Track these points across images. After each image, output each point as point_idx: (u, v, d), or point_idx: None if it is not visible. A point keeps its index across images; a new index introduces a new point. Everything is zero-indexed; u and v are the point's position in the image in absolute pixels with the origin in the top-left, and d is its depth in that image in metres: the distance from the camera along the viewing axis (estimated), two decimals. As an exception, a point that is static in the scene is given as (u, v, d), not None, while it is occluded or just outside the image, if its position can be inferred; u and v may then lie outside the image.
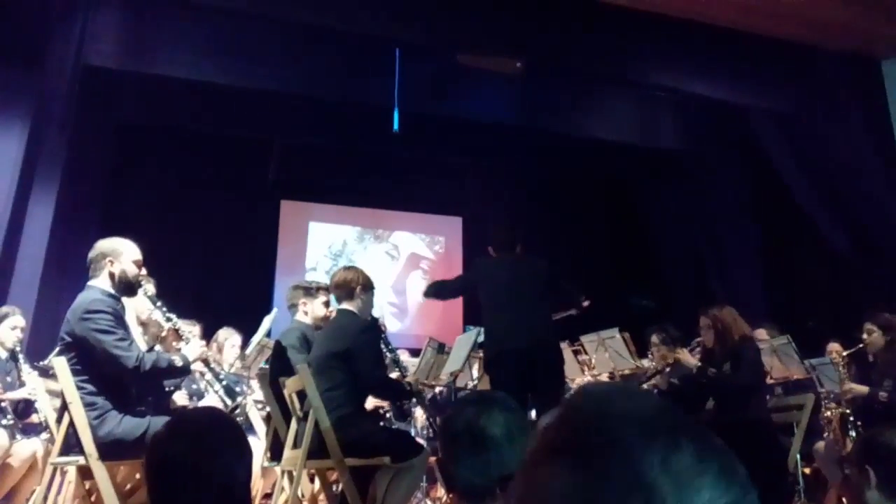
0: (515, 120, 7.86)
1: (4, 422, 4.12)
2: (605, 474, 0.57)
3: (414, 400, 4.63)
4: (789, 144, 6.98)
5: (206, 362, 3.52)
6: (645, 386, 4.84)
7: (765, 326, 5.66)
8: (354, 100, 7.28)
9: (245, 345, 5.15)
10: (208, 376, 4.11)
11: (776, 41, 6.34)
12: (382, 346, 4.09)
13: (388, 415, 5.29)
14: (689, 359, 4.56)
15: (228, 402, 3.69)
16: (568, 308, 4.58)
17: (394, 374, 4.29)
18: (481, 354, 5.23)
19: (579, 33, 6.29)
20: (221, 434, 1.50)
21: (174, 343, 3.53)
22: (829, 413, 5.03)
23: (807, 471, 4.85)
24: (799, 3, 5.76)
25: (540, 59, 6.71)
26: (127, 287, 3.23)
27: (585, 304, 4.53)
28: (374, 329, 3.75)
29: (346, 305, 3.76)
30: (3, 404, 4.18)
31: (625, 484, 0.56)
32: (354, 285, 3.75)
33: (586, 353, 5.66)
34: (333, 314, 3.99)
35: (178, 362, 3.19)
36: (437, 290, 4.87)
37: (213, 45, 6.54)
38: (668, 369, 5.00)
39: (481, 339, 4.57)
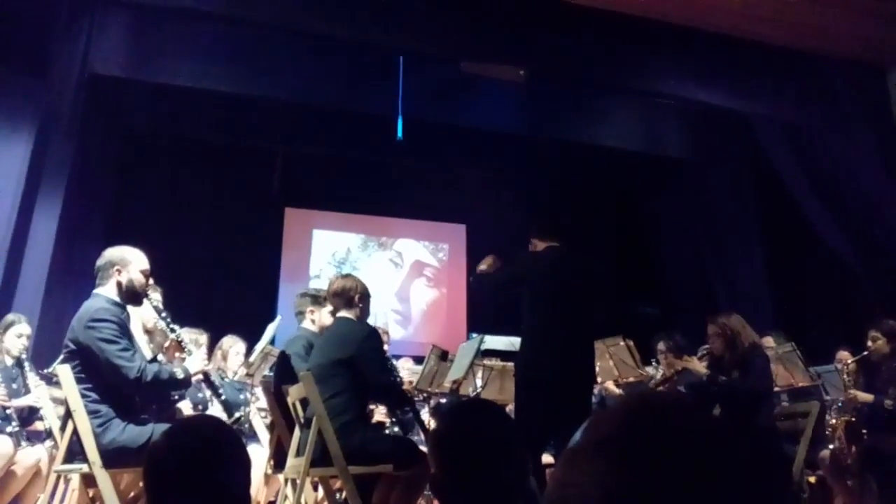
0: (519, 128, 7.87)
1: (9, 429, 4.13)
2: (647, 473, 0.58)
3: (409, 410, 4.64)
4: (794, 153, 6.96)
5: (206, 375, 3.52)
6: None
7: (771, 334, 5.65)
8: (358, 108, 7.31)
9: (249, 352, 5.15)
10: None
11: (781, 49, 6.33)
12: None
13: (394, 429, 5.27)
14: (699, 367, 4.54)
15: (227, 416, 3.69)
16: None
17: None
18: (485, 362, 5.23)
19: (582, 41, 6.29)
20: (220, 443, 1.50)
21: (177, 354, 3.54)
22: (834, 421, 5.02)
23: (812, 479, 4.83)
24: (804, 12, 5.76)
25: (543, 68, 6.72)
26: (133, 296, 3.24)
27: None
28: (376, 337, 3.75)
29: (344, 313, 3.76)
30: (8, 411, 4.19)
31: (661, 484, 0.58)
32: (353, 293, 3.75)
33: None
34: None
35: (180, 375, 3.19)
36: (482, 285, 4.46)
37: (219, 54, 6.58)
38: (675, 377, 4.99)
39: (484, 346, 4.54)
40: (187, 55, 6.49)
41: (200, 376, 3.48)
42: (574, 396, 3.78)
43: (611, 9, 5.77)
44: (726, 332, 4.33)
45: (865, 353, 4.83)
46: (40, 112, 5.51)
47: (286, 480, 3.78)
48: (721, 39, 6.18)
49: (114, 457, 2.94)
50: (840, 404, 5.01)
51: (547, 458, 4.35)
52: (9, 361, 4.42)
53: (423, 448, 3.76)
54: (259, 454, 4.54)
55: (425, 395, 5.15)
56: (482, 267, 4.29)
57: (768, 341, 5.45)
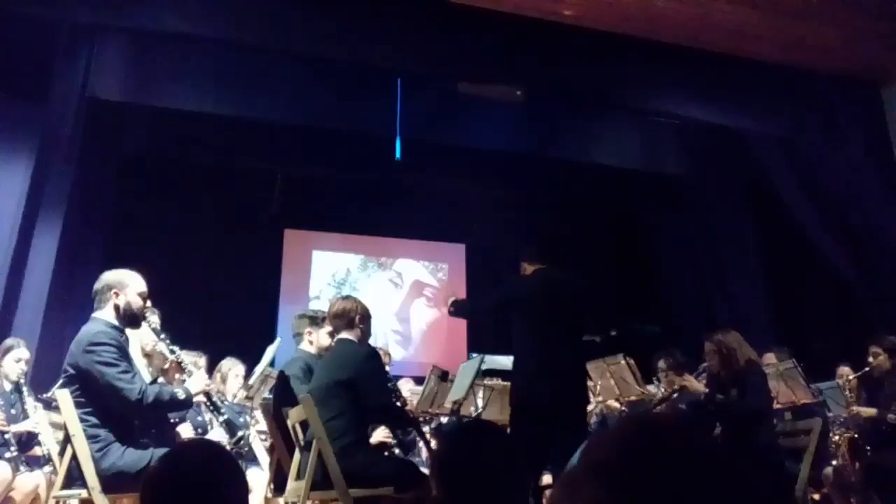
0: (517, 147, 7.90)
1: (8, 454, 4.11)
2: (646, 497, 0.58)
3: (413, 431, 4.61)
4: (790, 168, 6.99)
5: (208, 396, 3.51)
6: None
7: (773, 350, 5.64)
8: (356, 129, 7.34)
9: (248, 375, 5.13)
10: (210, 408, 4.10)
11: (776, 66, 6.37)
12: None
13: (395, 450, 5.24)
14: (697, 386, 4.53)
15: (229, 437, 3.67)
16: (593, 334, 4.35)
17: None
18: (486, 382, 5.21)
19: (579, 61, 6.33)
20: (217, 468, 1.49)
21: (177, 375, 3.53)
22: (837, 437, 4.99)
23: (816, 496, 4.79)
24: (799, 29, 5.80)
25: (540, 87, 6.75)
26: (131, 319, 3.24)
27: (612, 333, 4.34)
28: (377, 357, 3.74)
29: (345, 335, 3.75)
30: (6, 437, 4.17)
31: None
32: (354, 315, 3.75)
33: (591, 379, 5.63)
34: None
35: (181, 395, 3.18)
36: (468, 311, 4.50)
37: (217, 78, 6.63)
38: (675, 395, 4.97)
39: (485, 366, 4.51)
40: (186, 79, 6.54)
41: (202, 397, 3.47)
42: (568, 417, 3.77)
43: (607, 29, 5.82)
44: (722, 349, 4.32)
45: (867, 368, 4.82)
46: (39, 137, 5.54)
47: (286, 504, 3.75)
48: (717, 57, 6.22)
49: (113, 482, 2.93)
50: (843, 420, 4.99)
51: (546, 479, 4.33)
52: (7, 386, 4.40)
53: (425, 470, 3.74)
54: (259, 477, 4.52)
55: (426, 415, 5.13)
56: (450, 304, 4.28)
57: (770, 358, 5.44)
